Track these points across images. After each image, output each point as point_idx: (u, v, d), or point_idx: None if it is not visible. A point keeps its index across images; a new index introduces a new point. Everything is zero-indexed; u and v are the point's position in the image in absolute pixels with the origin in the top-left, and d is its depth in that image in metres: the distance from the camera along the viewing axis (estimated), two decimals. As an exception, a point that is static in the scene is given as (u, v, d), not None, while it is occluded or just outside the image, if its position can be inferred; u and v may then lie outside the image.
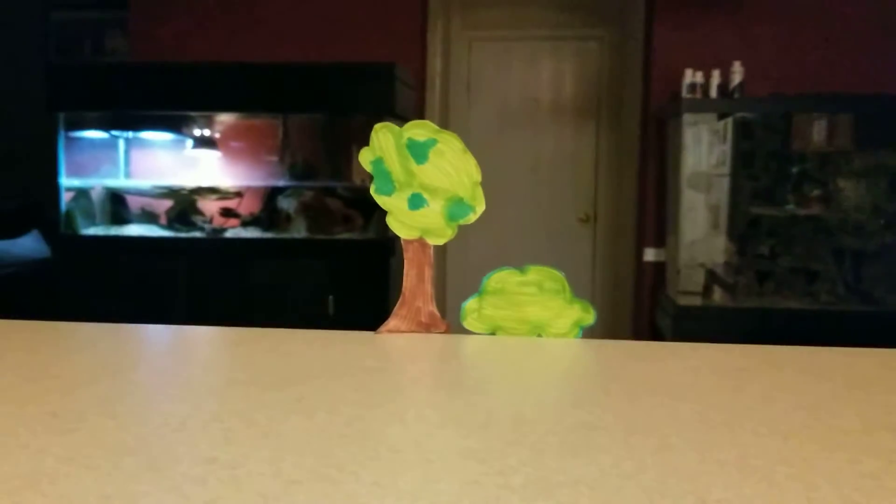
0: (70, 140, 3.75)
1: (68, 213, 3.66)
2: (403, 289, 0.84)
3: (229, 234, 3.63)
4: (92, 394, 0.60)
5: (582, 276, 4.10)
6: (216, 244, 3.58)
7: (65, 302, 3.61)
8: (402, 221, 0.83)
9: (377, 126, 0.83)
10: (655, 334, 3.75)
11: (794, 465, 0.48)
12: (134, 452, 0.47)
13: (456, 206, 0.82)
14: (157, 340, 0.86)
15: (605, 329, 3.94)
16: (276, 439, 0.49)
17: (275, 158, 3.81)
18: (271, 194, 3.74)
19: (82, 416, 0.54)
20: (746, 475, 0.46)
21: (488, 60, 4.15)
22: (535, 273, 0.83)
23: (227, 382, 0.64)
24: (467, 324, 0.84)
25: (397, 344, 0.81)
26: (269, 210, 3.72)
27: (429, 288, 0.84)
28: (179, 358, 0.77)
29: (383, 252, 3.40)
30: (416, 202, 0.83)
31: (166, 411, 0.55)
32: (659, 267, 3.76)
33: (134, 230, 3.70)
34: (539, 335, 0.83)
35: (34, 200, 4.17)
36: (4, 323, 0.89)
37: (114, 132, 3.87)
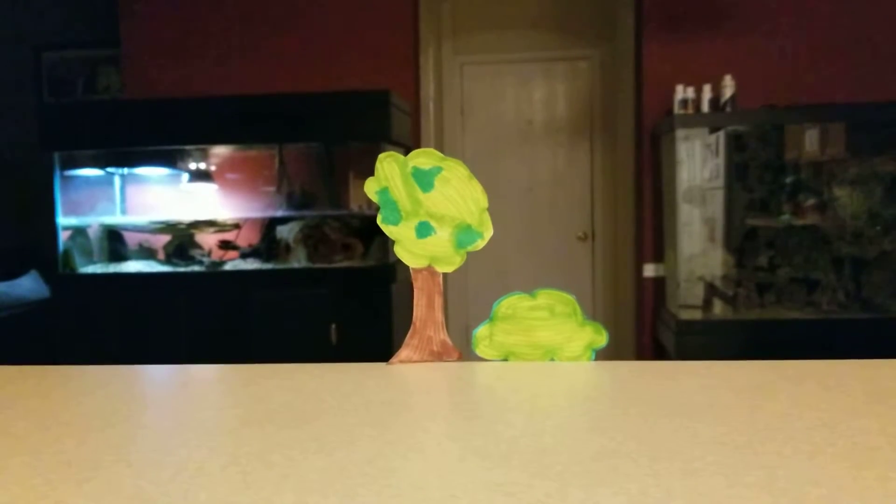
0: (66, 179, 3.75)
1: (66, 252, 3.65)
2: (414, 318, 0.83)
3: (228, 266, 3.63)
4: (105, 440, 0.59)
5: (582, 294, 4.09)
6: (216, 277, 3.57)
7: (65, 342, 3.59)
8: (410, 250, 0.83)
9: (382, 156, 0.82)
10: (658, 349, 3.74)
11: (822, 485, 0.47)
12: (153, 501, 0.46)
13: (464, 233, 0.82)
14: (167, 381, 0.85)
15: (608, 347, 3.92)
16: (297, 481, 0.49)
17: (272, 189, 3.82)
18: (269, 225, 3.74)
19: (98, 464, 0.53)
20: (776, 497, 0.45)
21: (480, 84, 4.17)
22: (545, 297, 0.83)
23: (242, 423, 0.63)
24: (479, 351, 0.83)
25: (410, 374, 0.80)
26: (267, 241, 3.72)
27: (439, 316, 0.84)
28: (190, 399, 0.76)
29: (384, 278, 3.39)
30: (423, 230, 0.82)
31: (182, 456, 0.54)
32: (659, 282, 3.76)
33: (132, 266, 3.69)
34: (552, 359, 0.83)
35: (31, 241, 4.17)
36: (13, 369, 0.88)
37: (109, 169, 3.87)
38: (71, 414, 0.70)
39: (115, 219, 3.84)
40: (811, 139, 3.38)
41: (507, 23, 4.15)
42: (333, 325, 3.38)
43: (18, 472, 0.51)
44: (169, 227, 3.72)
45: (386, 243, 3.37)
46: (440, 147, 4.05)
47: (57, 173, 3.69)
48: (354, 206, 3.64)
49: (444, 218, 0.82)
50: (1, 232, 4.33)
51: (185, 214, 3.74)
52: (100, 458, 0.54)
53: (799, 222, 3.40)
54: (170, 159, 3.84)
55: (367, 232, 3.59)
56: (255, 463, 0.52)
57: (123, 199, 3.90)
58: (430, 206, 0.82)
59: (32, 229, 3.99)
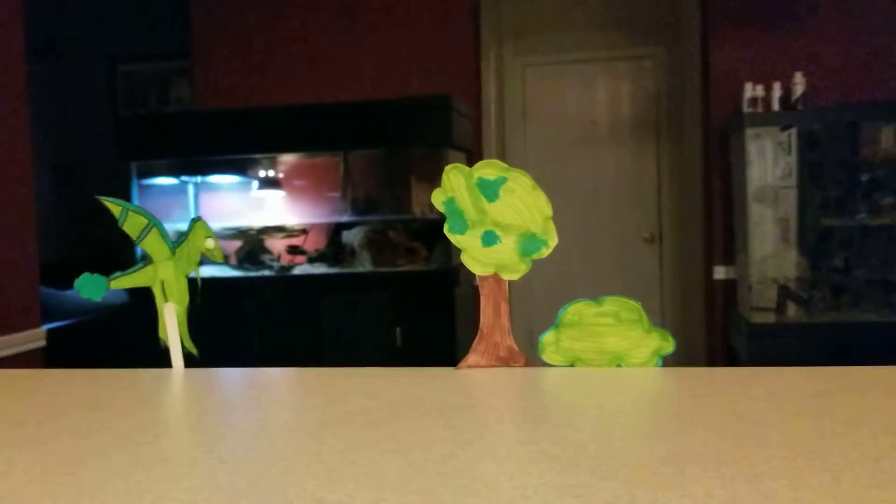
0: (142, 187, 3.91)
1: (144, 258, 3.80)
2: (481, 324, 0.86)
3: (297, 270, 3.72)
4: (197, 438, 0.64)
5: (650, 298, 4.04)
6: (285, 281, 3.67)
7: (144, 345, 3.74)
8: (476, 258, 0.85)
9: (448, 167, 0.86)
10: (729, 354, 3.67)
11: (887, 488, 0.48)
12: (248, 495, 0.50)
13: (528, 242, 0.85)
14: (248, 383, 0.90)
15: (678, 351, 3.86)
16: (377, 478, 0.52)
17: (337, 195, 3.90)
18: (335, 230, 3.82)
19: (193, 461, 0.57)
20: (840, 501, 0.46)
21: (543, 85, 4.17)
22: (611, 304, 0.84)
23: (322, 423, 0.67)
24: (546, 356, 0.85)
25: (479, 379, 0.83)
26: (333, 245, 3.80)
27: (506, 322, 0.86)
28: (273, 400, 0.80)
29: (448, 282, 3.43)
30: (489, 239, 0.85)
31: (270, 454, 0.58)
32: (729, 285, 3.69)
33: (206, 271, 3.83)
34: (619, 365, 0.84)
35: (111, 247, 4.35)
36: (104, 372, 0.94)
37: (183, 178, 4.02)
38: (163, 414, 0.75)
39: (190, 226, 3.97)
40: (887, 136, 3.27)
41: (569, 23, 4.14)
42: (398, 329, 3.43)
43: (121, 468, 0.56)
44: (240, 233, 3.84)
45: (449, 247, 3.41)
46: (502, 150, 4.07)
47: (135, 182, 3.86)
48: (417, 211, 3.69)
49: (510, 227, 0.85)
50: (82, 240, 4.53)
51: (255, 221, 3.86)
52: (194, 456, 0.58)
53: (875, 222, 3.30)
54: (240, 167, 3.97)
55: (430, 236, 3.63)
56: (336, 461, 0.56)
57: (197, 206, 4.04)
58: (495, 215, 0.85)
59: (112, 237, 4.16)
